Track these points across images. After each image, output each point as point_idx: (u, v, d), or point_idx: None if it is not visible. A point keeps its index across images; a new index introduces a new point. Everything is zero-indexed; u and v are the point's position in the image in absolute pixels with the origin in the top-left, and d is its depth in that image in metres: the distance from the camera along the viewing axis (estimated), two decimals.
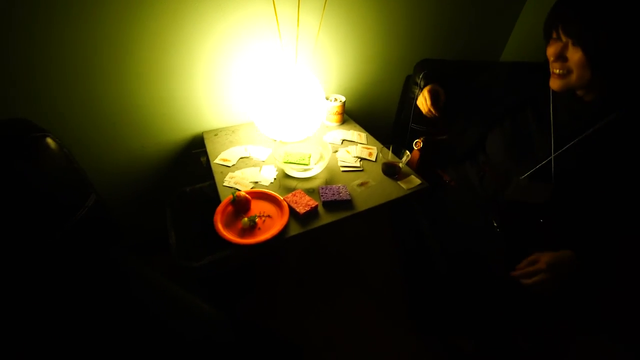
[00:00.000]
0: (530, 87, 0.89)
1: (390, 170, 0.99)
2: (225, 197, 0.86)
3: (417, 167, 1.07)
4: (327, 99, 1.24)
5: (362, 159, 1.06)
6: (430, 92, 1.03)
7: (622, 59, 0.67)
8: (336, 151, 1.09)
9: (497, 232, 0.90)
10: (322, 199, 0.87)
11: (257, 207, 0.85)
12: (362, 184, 0.95)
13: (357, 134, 1.19)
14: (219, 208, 0.82)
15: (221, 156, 1.05)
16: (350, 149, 1.10)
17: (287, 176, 0.97)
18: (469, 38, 1.55)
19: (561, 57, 0.73)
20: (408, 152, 0.98)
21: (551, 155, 0.83)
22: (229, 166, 1.01)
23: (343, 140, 1.16)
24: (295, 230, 0.80)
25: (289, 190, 0.91)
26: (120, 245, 0.95)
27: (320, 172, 0.97)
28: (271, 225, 0.80)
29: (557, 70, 0.75)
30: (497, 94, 0.95)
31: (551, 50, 0.74)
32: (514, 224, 0.91)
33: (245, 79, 1.16)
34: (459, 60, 1.30)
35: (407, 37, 1.38)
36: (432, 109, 1.03)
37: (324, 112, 1.23)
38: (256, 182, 0.95)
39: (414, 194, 0.95)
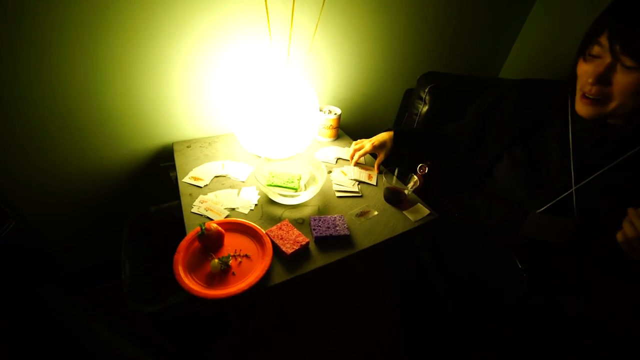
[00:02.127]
0: (545, 108, 0.76)
1: (395, 198, 0.84)
2: (193, 229, 0.68)
3: (419, 194, 0.92)
4: (320, 110, 1.08)
5: (360, 182, 0.91)
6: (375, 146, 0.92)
7: None
8: (330, 172, 0.93)
9: (521, 274, 0.77)
10: (315, 234, 0.70)
11: (233, 243, 0.67)
12: (361, 214, 0.79)
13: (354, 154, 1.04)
14: (183, 244, 0.63)
15: (192, 173, 0.87)
16: (347, 170, 0.94)
17: (272, 202, 0.80)
18: (471, 52, 1.45)
19: (603, 79, 0.59)
20: (416, 178, 0.83)
21: (572, 187, 0.70)
22: (200, 186, 0.83)
23: (338, 158, 1.00)
24: (279, 276, 0.62)
25: (274, 220, 0.74)
26: (58, 277, 0.76)
27: (311, 198, 0.81)
28: (249, 268, 0.62)
29: (592, 95, 0.61)
30: (507, 115, 0.82)
31: (589, 69, 0.60)
32: (536, 264, 0.78)
33: (228, 83, 1.00)
34: (465, 75, 1.19)
35: (408, 49, 1.27)
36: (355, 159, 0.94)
37: (317, 125, 1.07)
38: (233, 209, 0.77)
39: (422, 226, 0.80)
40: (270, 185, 0.81)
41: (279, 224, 0.70)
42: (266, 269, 0.61)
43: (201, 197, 0.79)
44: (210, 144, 1.03)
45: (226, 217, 0.74)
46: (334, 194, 0.85)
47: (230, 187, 0.84)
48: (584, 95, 0.63)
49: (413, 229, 0.78)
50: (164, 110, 0.96)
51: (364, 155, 0.93)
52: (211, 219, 0.73)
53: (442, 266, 0.88)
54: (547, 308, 0.76)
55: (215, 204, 0.78)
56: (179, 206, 1.02)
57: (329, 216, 0.74)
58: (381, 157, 0.94)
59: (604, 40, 0.57)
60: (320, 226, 0.71)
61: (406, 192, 0.83)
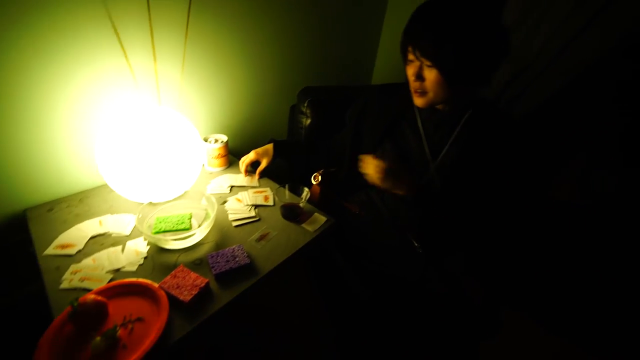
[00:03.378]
0: (400, 106, 0.91)
1: (291, 213, 0.87)
2: (64, 309, 0.58)
3: (319, 202, 0.98)
4: (205, 140, 1.05)
5: (257, 206, 0.91)
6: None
7: (469, 73, 0.72)
8: (225, 202, 0.91)
9: (418, 251, 0.88)
10: (214, 271, 0.68)
11: (120, 310, 0.60)
12: (261, 238, 0.80)
13: (247, 177, 1.04)
14: (46, 336, 0.53)
15: (58, 242, 0.74)
16: (241, 196, 0.94)
17: (164, 250, 0.74)
18: (342, 64, 1.60)
19: (419, 77, 0.74)
20: (307, 189, 0.88)
21: (430, 166, 0.86)
22: (72, 254, 0.72)
23: (232, 186, 0.99)
24: (181, 329, 0.58)
25: (169, 269, 0.68)
26: None
27: (207, 235, 0.78)
28: (143, 333, 0.56)
29: (419, 89, 0.77)
30: (373, 116, 0.95)
31: (410, 71, 0.76)
32: (428, 240, 0.91)
33: (94, 129, 0.90)
34: (339, 86, 1.31)
35: (282, 68, 1.34)
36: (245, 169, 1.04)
37: (203, 157, 1.04)
38: (117, 270, 0.69)
39: (322, 234, 0.85)
40: (158, 232, 0.75)
41: (173, 272, 0.66)
42: (162, 326, 0.56)
43: (73, 267, 0.68)
44: (82, 201, 0.90)
45: (109, 281, 0.66)
46: (231, 224, 0.83)
47: (113, 245, 0.75)
48: (415, 91, 0.78)
49: (313, 239, 0.82)
50: (9, 170, 0.80)
51: (249, 163, 1.00)
52: (90, 290, 0.63)
53: (355, 264, 0.94)
54: (440, 276, 0.89)
55: (94, 270, 0.68)
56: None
57: (227, 249, 0.73)
58: (263, 164, 1.01)
59: (410, 48, 0.71)
60: (218, 262, 0.69)
61: (301, 204, 0.87)
